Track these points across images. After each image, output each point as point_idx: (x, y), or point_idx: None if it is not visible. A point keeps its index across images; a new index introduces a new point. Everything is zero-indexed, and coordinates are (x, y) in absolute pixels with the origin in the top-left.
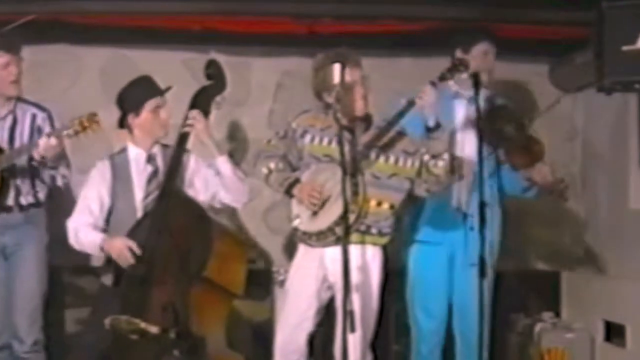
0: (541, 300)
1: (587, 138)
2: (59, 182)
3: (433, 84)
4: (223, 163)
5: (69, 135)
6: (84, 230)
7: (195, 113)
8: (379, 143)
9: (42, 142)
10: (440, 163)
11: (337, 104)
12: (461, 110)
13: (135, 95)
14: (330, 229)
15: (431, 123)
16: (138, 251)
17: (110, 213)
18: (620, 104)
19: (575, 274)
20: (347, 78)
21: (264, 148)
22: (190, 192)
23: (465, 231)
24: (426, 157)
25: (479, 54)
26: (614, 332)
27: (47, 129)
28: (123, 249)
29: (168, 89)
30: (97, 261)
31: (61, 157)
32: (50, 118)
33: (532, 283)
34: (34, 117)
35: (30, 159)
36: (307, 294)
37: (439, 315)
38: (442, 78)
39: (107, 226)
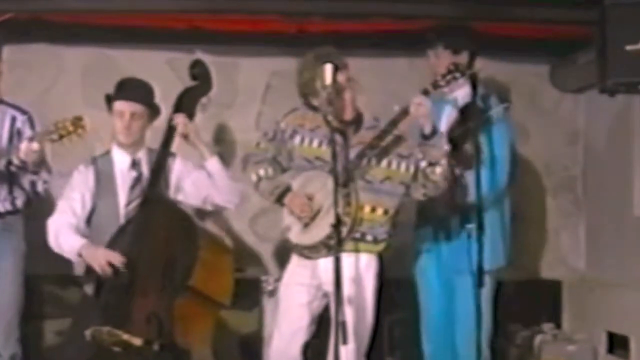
0: (541, 311)
1: (589, 141)
2: (40, 187)
3: (426, 92)
4: (214, 164)
5: (52, 140)
6: (64, 233)
7: (178, 116)
8: (372, 149)
9: (24, 146)
10: (438, 169)
11: (328, 107)
12: (444, 115)
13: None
14: (323, 243)
15: (427, 130)
16: (120, 264)
17: (90, 217)
18: (624, 105)
19: (577, 283)
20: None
21: (253, 152)
22: (179, 197)
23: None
24: (423, 164)
25: (432, 56)
26: (617, 344)
27: (27, 132)
28: (104, 262)
29: (141, 99)
30: (79, 269)
31: (42, 162)
32: (31, 121)
33: (532, 292)
34: (13, 119)
35: (9, 163)
36: (301, 303)
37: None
38: (436, 86)
39: (88, 229)
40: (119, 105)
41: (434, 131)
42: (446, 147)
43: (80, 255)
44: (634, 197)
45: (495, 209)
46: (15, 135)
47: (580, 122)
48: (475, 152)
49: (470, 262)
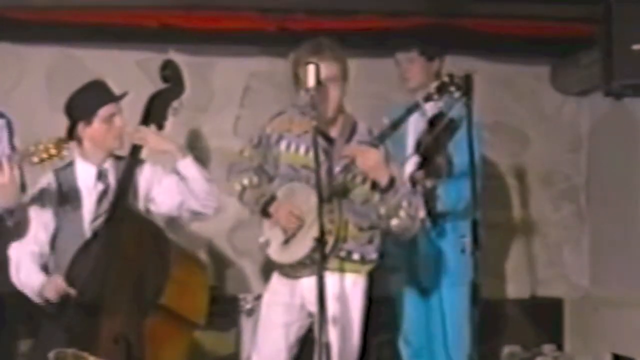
0: (542, 331)
1: (593, 148)
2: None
3: (417, 105)
4: (187, 166)
5: (32, 163)
6: (25, 266)
7: (140, 129)
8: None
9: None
10: (395, 221)
11: (312, 110)
12: (411, 125)
13: (87, 102)
14: (302, 263)
15: (383, 183)
16: (72, 292)
17: (55, 237)
18: (630, 109)
19: (580, 301)
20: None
21: (237, 160)
22: (151, 207)
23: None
24: (382, 211)
25: (403, 60)
26: None
27: (5, 137)
28: (54, 290)
29: (124, 95)
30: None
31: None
32: (9, 126)
33: (532, 311)
34: None
35: None
36: (281, 323)
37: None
38: (428, 99)
39: (53, 251)
40: (111, 108)
41: (392, 181)
42: (408, 186)
43: (41, 295)
44: None
45: (463, 220)
46: None
47: (584, 127)
48: (446, 162)
49: (453, 275)
